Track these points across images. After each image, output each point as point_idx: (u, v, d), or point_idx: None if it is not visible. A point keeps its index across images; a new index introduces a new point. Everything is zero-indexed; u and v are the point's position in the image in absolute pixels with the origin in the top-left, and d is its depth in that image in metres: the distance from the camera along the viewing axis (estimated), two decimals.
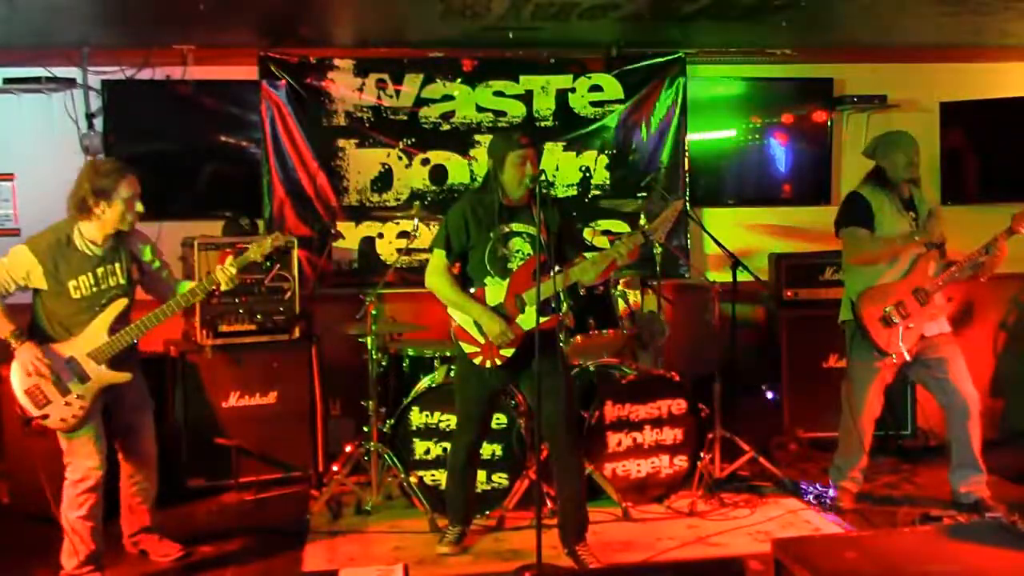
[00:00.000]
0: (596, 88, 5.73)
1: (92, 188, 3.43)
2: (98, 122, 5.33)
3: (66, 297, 3.47)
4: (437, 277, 3.79)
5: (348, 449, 4.62)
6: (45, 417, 3.44)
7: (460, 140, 5.63)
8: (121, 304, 3.53)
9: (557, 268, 3.60)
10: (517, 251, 3.72)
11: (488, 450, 4.27)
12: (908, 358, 4.18)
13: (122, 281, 3.56)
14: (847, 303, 4.34)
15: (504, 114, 5.65)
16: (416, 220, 4.77)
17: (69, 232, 3.50)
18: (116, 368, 3.52)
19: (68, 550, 3.57)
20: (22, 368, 3.42)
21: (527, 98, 5.66)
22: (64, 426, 3.47)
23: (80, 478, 3.52)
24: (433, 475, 4.36)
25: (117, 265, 3.55)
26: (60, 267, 3.46)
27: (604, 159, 5.76)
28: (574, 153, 5.73)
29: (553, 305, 3.63)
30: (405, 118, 5.58)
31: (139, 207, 3.54)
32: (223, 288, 3.60)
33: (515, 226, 3.73)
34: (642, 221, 5.08)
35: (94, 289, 3.49)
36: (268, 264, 4.52)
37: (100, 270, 3.51)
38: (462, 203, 3.84)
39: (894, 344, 4.17)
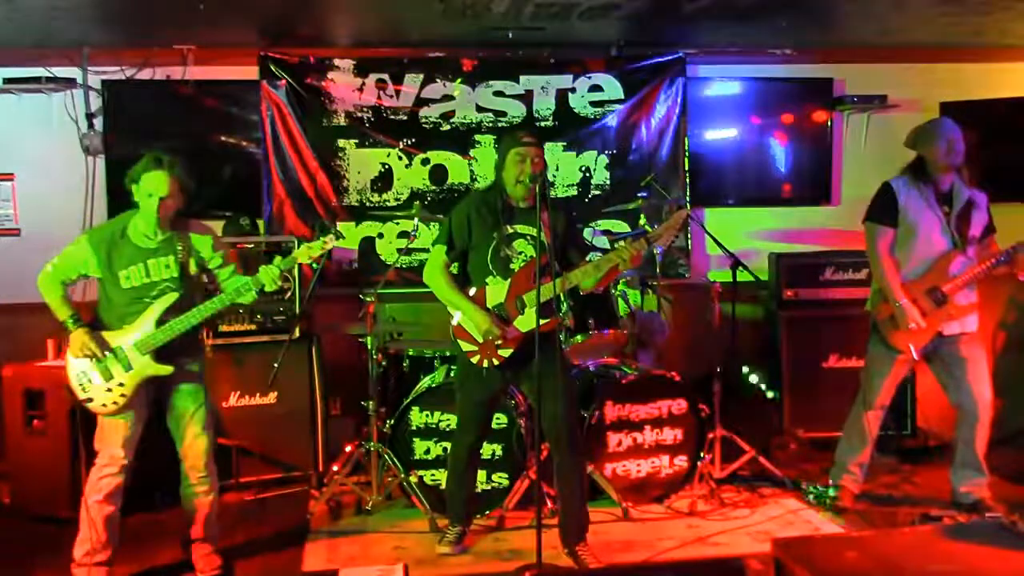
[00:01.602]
0: (596, 88, 5.73)
1: (129, 175, 3.52)
2: (98, 122, 5.34)
3: (118, 287, 3.55)
4: (434, 273, 3.80)
5: (348, 449, 4.62)
6: (89, 400, 3.56)
7: (460, 140, 5.63)
8: (171, 298, 3.55)
9: (559, 271, 3.59)
10: (520, 252, 3.72)
11: (488, 450, 4.27)
12: (916, 356, 4.17)
13: (174, 274, 3.58)
14: (872, 293, 4.32)
15: (504, 114, 5.65)
16: (416, 220, 4.77)
17: (126, 223, 3.58)
18: (164, 360, 3.56)
19: (81, 538, 3.62)
20: (73, 351, 3.54)
21: (527, 98, 5.67)
22: (105, 410, 3.56)
23: (106, 463, 3.60)
24: (433, 475, 4.36)
25: (171, 258, 3.58)
26: (112, 257, 3.54)
27: (604, 159, 5.76)
28: (574, 153, 5.73)
29: (554, 307, 3.63)
30: (405, 118, 5.58)
31: (165, 203, 3.50)
32: (268, 288, 3.60)
33: (519, 227, 3.73)
34: (642, 221, 5.09)
35: (145, 280, 3.55)
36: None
37: (152, 261, 3.56)
38: (467, 202, 3.84)
39: (902, 342, 4.17)
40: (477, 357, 3.75)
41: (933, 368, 4.32)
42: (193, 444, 3.67)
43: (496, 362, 3.72)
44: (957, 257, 4.14)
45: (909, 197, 4.16)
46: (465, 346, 3.77)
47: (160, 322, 3.53)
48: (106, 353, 3.52)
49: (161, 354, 3.55)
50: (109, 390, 3.53)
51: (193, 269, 3.63)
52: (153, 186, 3.48)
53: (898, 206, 4.16)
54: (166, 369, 3.55)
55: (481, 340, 3.71)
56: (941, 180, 4.16)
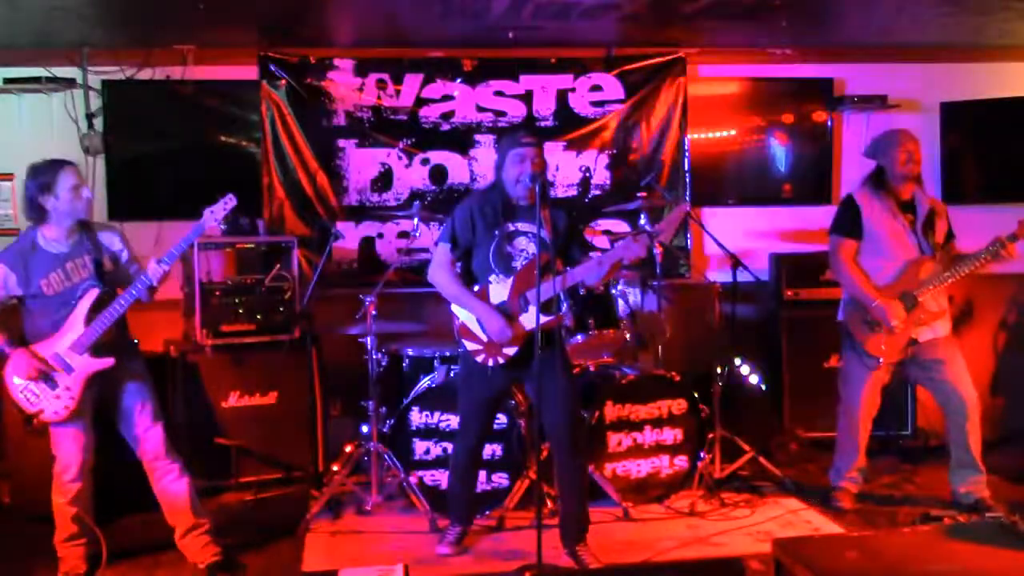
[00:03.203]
0: (596, 88, 5.73)
1: (36, 186, 3.56)
2: (98, 122, 5.33)
3: (41, 296, 3.60)
4: (441, 272, 3.79)
5: (348, 449, 4.62)
6: (40, 412, 3.57)
7: (460, 140, 5.63)
8: (93, 294, 3.61)
9: (561, 269, 3.59)
10: (522, 250, 3.72)
11: (488, 450, 4.27)
12: (880, 362, 4.17)
13: (92, 271, 3.65)
14: (842, 303, 4.35)
15: (504, 114, 5.65)
16: (416, 220, 4.77)
17: (34, 237, 3.65)
18: (100, 355, 3.59)
19: (58, 527, 3.71)
20: (16, 372, 3.56)
21: (527, 98, 5.67)
22: (58, 418, 3.59)
23: (63, 469, 3.64)
24: (433, 475, 4.36)
25: (86, 257, 3.65)
26: (30, 269, 3.59)
27: (604, 159, 5.76)
28: (574, 153, 5.73)
29: (556, 305, 3.63)
30: (405, 118, 5.58)
31: (86, 193, 3.64)
32: (155, 283, 3.62)
33: (521, 224, 3.73)
34: (642, 221, 5.08)
35: (66, 284, 3.61)
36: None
37: (69, 265, 3.62)
38: (470, 200, 3.84)
39: (876, 347, 4.17)
40: (482, 356, 3.74)
41: (917, 376, 4.35)
42: (147, 437, 3.72)
43: (501, 361, 3.72)
44: (927, 263, 4.17)
45: (872, 208, 4.21)
46: (470, 345, 3.77)
47: (88, 319, 3.58)
48: (48, 362, 3.55)
49: (99, 350, 3.59)
50: (58, 397, 3.56)
51: (108, 265, 3.69)
52: (77, 178, 3.59)
53: (861, 218, 4.21)
54: (106, 362, 3.59)
55: (496, 340, 3.69)
56: (901, 189, 4.20)
